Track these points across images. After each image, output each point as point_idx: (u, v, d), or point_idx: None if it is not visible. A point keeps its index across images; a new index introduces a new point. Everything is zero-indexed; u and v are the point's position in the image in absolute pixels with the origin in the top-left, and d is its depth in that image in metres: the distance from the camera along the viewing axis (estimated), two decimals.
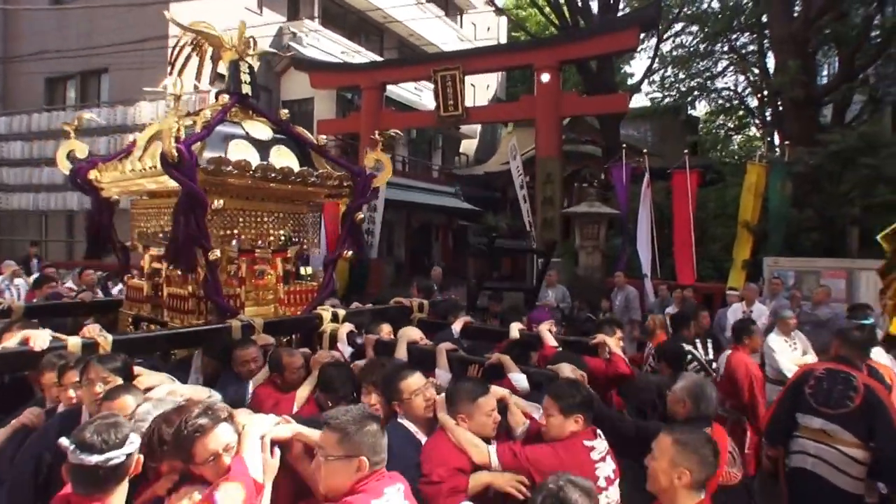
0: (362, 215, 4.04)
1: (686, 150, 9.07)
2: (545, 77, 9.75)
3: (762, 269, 8.07)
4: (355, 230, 4.04)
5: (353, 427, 1.68)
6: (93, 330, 2.99)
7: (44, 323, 3.31)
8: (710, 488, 2.27)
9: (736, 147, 15.92)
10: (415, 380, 2.36)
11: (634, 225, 9.02)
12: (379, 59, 15.16)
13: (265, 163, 3.49)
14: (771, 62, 11.75)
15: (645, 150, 9.50)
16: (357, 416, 1.73)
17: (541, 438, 2.30)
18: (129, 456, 1.55)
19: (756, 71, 12.81)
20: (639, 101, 18.25)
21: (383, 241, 13.43)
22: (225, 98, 3.77)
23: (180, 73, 3.87)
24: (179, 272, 3.57)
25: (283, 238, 3.88)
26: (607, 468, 2.22)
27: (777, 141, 11.82)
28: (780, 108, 11.22)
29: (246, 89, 3.85)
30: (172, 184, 3.23)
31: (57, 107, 13.58)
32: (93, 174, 3.82)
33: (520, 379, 2.76)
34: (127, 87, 12.45)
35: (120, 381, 2.27)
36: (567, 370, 2.73)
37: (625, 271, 8.38)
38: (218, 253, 3.34)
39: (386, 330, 3.50)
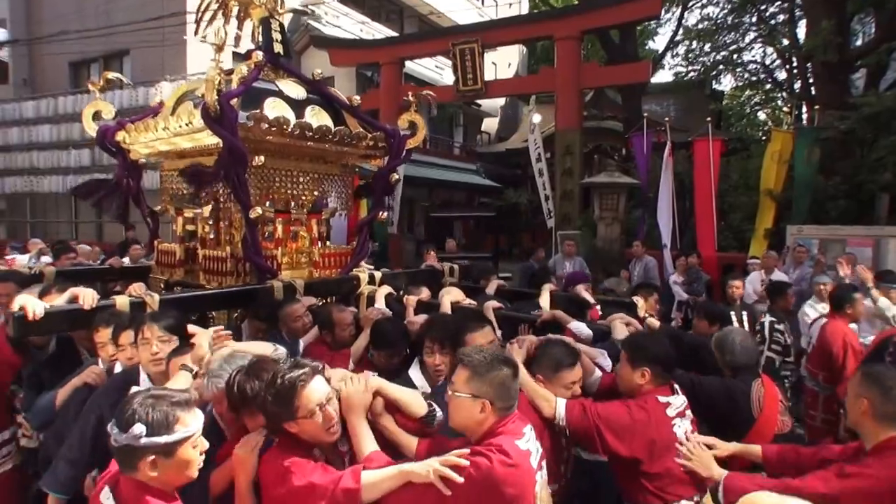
0: (397, 176, 4.02)
1: (709, 119, 9.05)
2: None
3: (785, 238, 8.07)
4: (390, 191, 4.05)
5: (483, 368, 1.68)
6: (139, 289, 3.06)
7: None
8: (768, 435, 2.40)
9: (761, 121, 15.67)
10: (482, 334, 2.39)
11: (655, 195, 9.04)
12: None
13: (303, 121, 3.45)
14: (801, 32, 11.54)
15: (667, 118, 9.51)
16: (490, 358, 1.72)
17: (613, 394, 2.32)
18: (176, 442, 1.43)
19: (785, 42, 12.57)
20: (663, 77, 18.10)
21: (403, 218, 13.67)
22: (258, 56, 3.60)
23: (197, 30, 3.83)
24: (216, 235, 3.57)
25: (317, 199, 3.88)
26: (686, 423, 2.21)
27: (805, 112, 11.66)
28: (810, 76, 11.02)
29: (277, 48, 3.79)
30: (208, 141, 3.23)
31: (82, 90, 14.06)
32: (121, 135, 3.76)
33: (580, 326, 2.79)
34: (148, 68, 12.85)
35: (175, 339, 2.28)
36: (619, 322, 2.83)
37: (644, 242, 8.44)
38: (259, 210, 3.31)
39: (425, 293, 3.53)
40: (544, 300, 3.46)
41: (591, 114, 11.62)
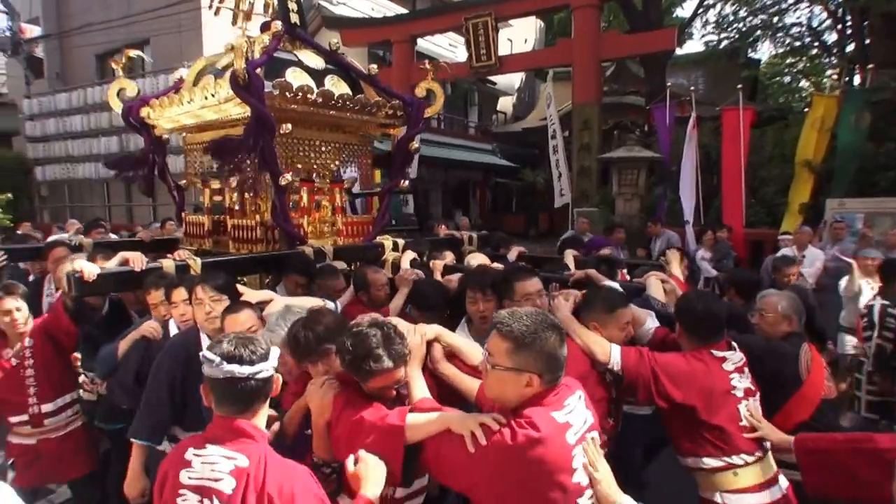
0: (417, 144, 4.06)
1: (740, 87, 8.38)
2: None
3: (823, 212, 7.41)
4: (409, 160, 4.10)
5: (529, 338, 1.48)
6: (183, 253, 3.24)
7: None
8: (815, 399, 2.42)
9: (802, 89, 14.48)
10: (532, 283, 2.41)
11: (677, 170, 8.51)
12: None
13: (326, 89, 3.52)
14: None
15: (693, 88, 8.89)
16: (534, 324, 1.50)
17: (666, 347, 2.32)
18: (274, 370, 1.52)
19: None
20: (691, 48, 17.05)
21: (419, 197, 13.50)
22: (278, 25, 3.63)
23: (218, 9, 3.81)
24: (242, 205, 3.68)
25: (338, 169, 3.96)
26: (745, 381, 2.20)
27: (857, 76, 10.64)
28: (866, 34, 10.01)
29: (294, 18, 3.84)
30: (234, 112, 3.30)
31: (108, 79, 14.55)
32: (145, 111, 3.88)
33: (613, 286, 2.72)
34: (166, 55, 13.16)
35: (225, 298, 2.45)
36: (655, 279, 2.81)
37: (665, 217, 7.96)
38: (289, 177, 3.37)
39: (449, 257, 3.62)
40: (569, 262, 3.52)
41: (611, 89, 11.06)
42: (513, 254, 3.99)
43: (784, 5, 12.27)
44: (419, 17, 12.51)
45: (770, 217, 8.48)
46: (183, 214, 4.25)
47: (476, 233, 4.78)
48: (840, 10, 11.28)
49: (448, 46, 15.76)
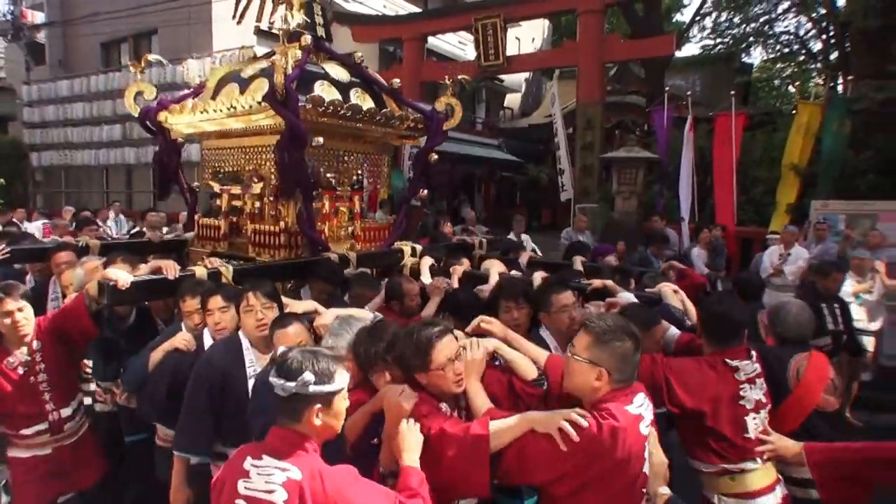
0: (436, 156, 4.17)
1: (733, 92, 8.99)
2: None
3: (808, 213, 7.94)
4: (429, 170, 4.19)
5: (607, 337, 1.69)
6: (215, 261, 3.25)
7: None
8: (804, 409, 2.41)
9: (791, 94, 15.21)
10: (566, 296, 2.56)
11: (674, 170, 9.05)
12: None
13: (355, 103, 3.60)
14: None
15: (689, 93, 9.48)
16: (615, 327, 1.72)
17: (690, 350, 2.39)
18: (337, 388, 1.53)
19: (822, 11, 12.18)
20: (690, 51, 17.68)
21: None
22: (307, 39, 3.58)
23: (240, 18, 3.93)
24: (262, 210, 3.67)
25: (359, 177, 4.05)
26: (756, 392, 2.22)
27: (840, 84, 11.34)
28: (847, 45, 10.69)
29: (319, 31, 3.89)
30: (265, 122, 3.37)
31: (112, 68, 14.65)
32: (163, 116, 3.87)
33: (629, 297, 2.88)
34: (175, 46, 13.26)
35: (276, 306, 2.45)
36: (668, 289, 3.00)
37: (662, 215, 8.48)
38: (319, 191, 3.50)
39: (466, 263, 3.71)
40: (578, 267, 3.69)
41: (614, 89, 11.60)
42: (523, 259, 4.10)
43: (774, 14, 12.94)
44: (430, 17, 12.90)
45: (759, 216, 9.05)
46: (196, 217, 4.23)
47: (485, 238, 4.90)
48: (824, 21, 11.97)
49: (458, 44, 16.13)
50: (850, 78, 8.94)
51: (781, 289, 5.93)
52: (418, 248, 4.08)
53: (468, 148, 15.99)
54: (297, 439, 1.49)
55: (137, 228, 7.66)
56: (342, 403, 1.56)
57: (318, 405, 1.48)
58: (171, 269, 2.87)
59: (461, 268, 3.54)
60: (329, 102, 3.37)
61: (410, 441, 1.65)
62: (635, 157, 9.40)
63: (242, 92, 3.51)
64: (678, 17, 17.31)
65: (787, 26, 13.46)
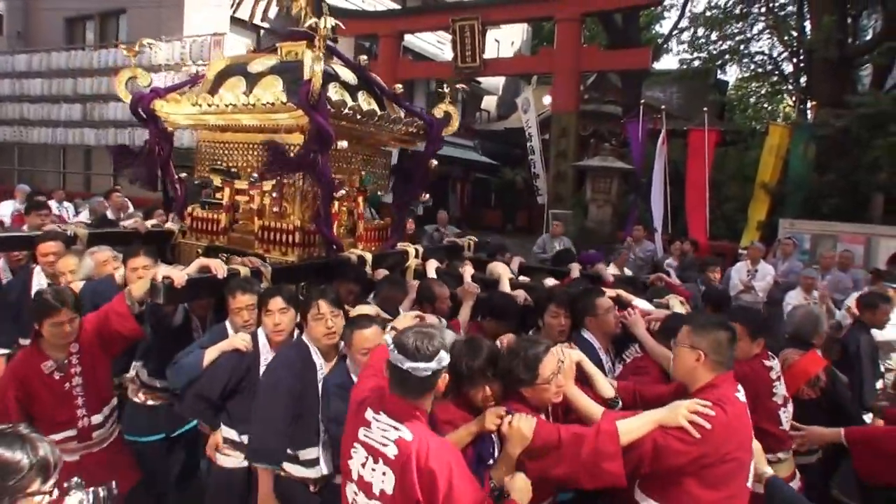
0: (436, 161, 4.23)
1: (706, 109, 9.15)
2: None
3: (777, 230, 8.20)
4: (428, 174, 4.24)
5: (703, 326, 2.03)
6: (255, 260, 3.25)
7: None
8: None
9: (765, 113, 15.67)
10: (607, 300, 2.81)
11: (648, 181, 9.21)
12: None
13: (372, 108, 3.66)
14: (810, 28, 11.55)
15: (663, 107, 9.61)
16: (713, 319, 2.07)
17: None
18: (436, 371, 1.69)
19: (794, 34, 12.58)
20: (668, 63, 18.04)
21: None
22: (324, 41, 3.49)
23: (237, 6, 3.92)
24: (274, 207, 3.69)
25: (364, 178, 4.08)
26: (782, 387, 2.59)
27: (809, 107, 11.71)
28: (812, 71, 11.07)
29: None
30: (285, 121, 3.34)
31: (76, 46, 14.11)
32: (158, 105, 3.77)
33: (644, 304, 3.06)
34: (145, 28, 12.84)
35: (341, 313, 2.51)
36: (676, 300, 3.17)
37: (645, 226, 8.51)
38: (345, 190, 3.52)
39: (470, 269, 3.72)
40: (575, 274, 3.88)
41: (591, 97, 11.71)
42: (514, 263, 4.26)
43: (750, 34, 13.28)
44: (407, 14, 12.83)
45: (730, 231, 9.28)
46: (190, 209, 4.14)
47: (471, 240, 5.02)
48: (795, 45, 12.36)
49: (436, 44, 16.07)
50: (813, 103, 9.19)
51: (752, 305, 6.01)
52: (420, 249, 4.19)
53: (443, 148, 15.89)
54: (410, 406, 1.70)
55: (85, 213, 7.29)
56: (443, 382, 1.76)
57: (430, 383, 1.70)
58: (220, 268, 2.88)
59: (471, 270, 3.61)
60: (350, 107, 3.39)
61: (516, 436, 1.85)
62: (609, 166, 9.49)
63: (250, 87, 3.45)
64: (658, 28, 17.58)
65: (761, 47, 13.87)
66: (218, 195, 3.96)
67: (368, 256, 3.71)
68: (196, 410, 2.66)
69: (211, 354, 2.56)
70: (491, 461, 1.96)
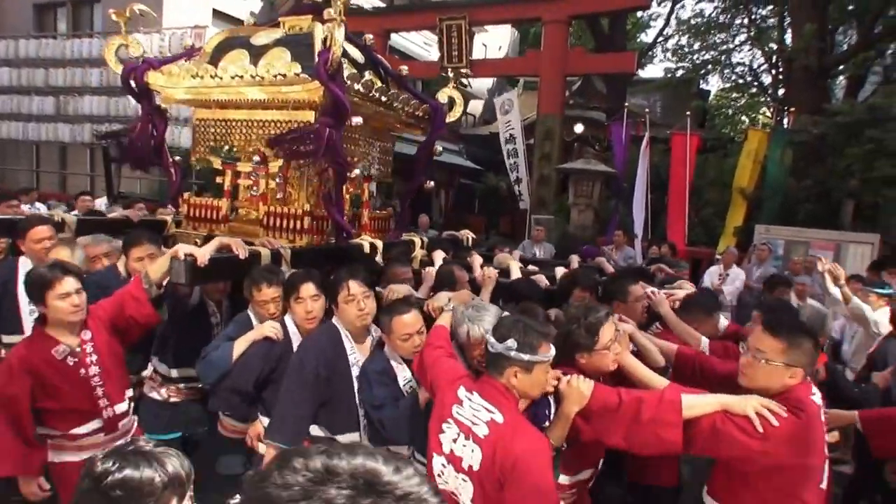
0: (440, 148, 4.18)
1: (688, 113, 9.35)
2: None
3: (753, 236, 8.40)
4: (431, 162, 4.19)
5: (799, 341, 1.90)
6: (274, 241, 3.14)
7: None
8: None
9: (743, 122, 16.11)
10: (640, 287, 2.91)
11: (630, 185, 9.33)
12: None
13: (382, 86, 3.49)
14: (791, 37, 11.92)
15: (647, 110, 9.79)
16: (804, 330, 1.99)
17: (737, 337, 2.71)
18: (536, 361, 1.77)
19: (774, 46, 12.98)
20: (653, 72, 18.38)
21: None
22: (331, 13, 3.33)
23: None
24: (280, 193, 3.53)
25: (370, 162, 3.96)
26: None
27: (787, 117, 12.09)
28: (791, 80, 11.42)
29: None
30: (298, 96, 3.16)
31: (47, 34, 13.72)
32: (153, 78, 3.53)
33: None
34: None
35: (372, 294, 2.47)
36: (686, 284, 3.36)
37: (625, 231, 8.67)
38: (358, 171, 3.39)
39: (479, 259, 3.74)
40: (575, 265, 4.00)
41: (576, 102, 11.86)
42: (515, 257, 4.31)
43: (732, 45, 13.64)
44: (395, 12, 12.84)
45: (708, 237, 9.47)
46: (187, 195, 3.93)
47: (467, 236, 5.03)
48: (774, 56, 12.75)
49: (423, 45, 16.10)
50: (792, 110, 9.49)
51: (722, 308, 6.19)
52: (425, 239, 4.19)
53: None
54: (501, 390, 1.78)
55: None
56: (542, 375, 1.81)
57: (517, 368, 1.76)
58: (241, 247, 2.76)
59: (479, 259, 3.64)
60: (365, 83, 3.23)
61: (574, 395, 1.89)
62: (592, 169, 9.61)
63: (255, 60, 3.26)
64: (643, 37, 17.96)
65: (742, 58, 14.32)
66: (220, 179, 3.77)
67: (380, 244, 3.62)
68: (230, 404, 2.61)
69: (240, 346, 2.51)
70: (546, 423, 2.02)
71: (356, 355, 2.45)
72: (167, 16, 12.09)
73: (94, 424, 2.39)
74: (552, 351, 1.81)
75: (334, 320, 2.49)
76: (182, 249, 2.50)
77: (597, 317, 2.06)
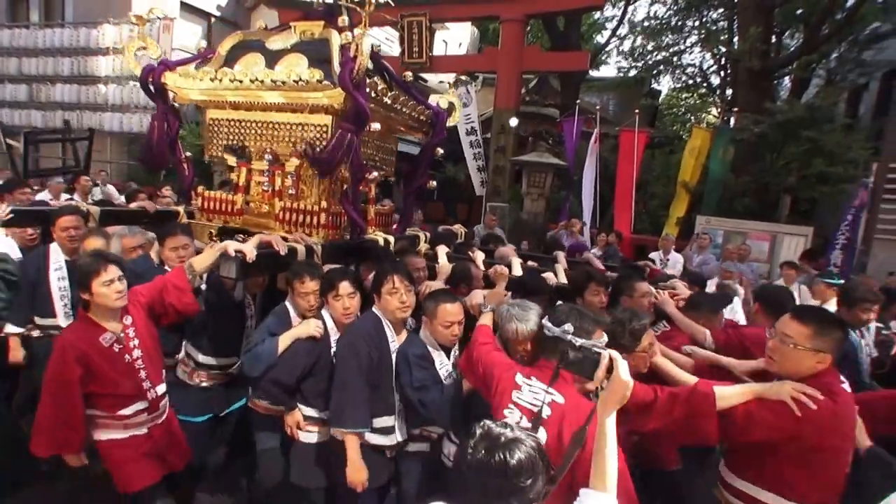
0: (442, 150, 4.19)
1: (637, 111, 9.26)
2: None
3: (694, 226, 8.45)
4: (432, 162, 4.24)
5: (826, 328, 1.87)
6: (307, 238, 3.16)
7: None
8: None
9: (690, 123, 16.18)
10: (646, 284, 2.99)
11: (580, 178, 9.27)
12: None
13: (396, 93, 3.54)
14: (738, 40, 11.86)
15: (598, 107, 9.67)
16: (832, 318, 1.98)
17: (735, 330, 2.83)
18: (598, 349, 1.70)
19: (723, 49, 12.96)
20: (607, 72, 18.32)
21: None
22: (345, 20, 3.32)
23: None
24: (292, 190, 3.47)
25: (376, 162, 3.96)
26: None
27: (733, 117, 12.08)
28: (737, 80, 11.38)
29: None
30: (319, 101, 3.14)
31: (20, 24, 13.14)
32: (170, 78, 3.55)
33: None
34: (91, 8, 12.10)
35: (413, 289, 2.52)
36: (681, 285, 3.33)
37: (565, 219, 8.65)
38: (375, 174, 3.46)
39: (481, 254, 3.73)
40: (562, 262, 3.98)
41: (532, 100, 11.70)
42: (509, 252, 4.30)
43: (683, 46, 13.56)
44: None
45: (653, 226, 9.42)
46: (199, 189, 3.88)
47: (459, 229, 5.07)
48: (723, 59, 12.71)
49: (385, 40, 15.75)
50: (735, 109, 9.44)
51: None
52: (428, 235, 4.24)
53: None
54: (562, 373, 1.73)
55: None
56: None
57: (571, 351, 1.70)
58: (281, 244, 2.84)
59: (482, 254, 3.66)
60: (381, 89, 3.28)
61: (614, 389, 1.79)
62: (545, 162, 9.50)
63: (271, 64, 3.30)
64: (599, 38, 17.82)
65: (693, 59, 14.27)
66: (231, 175, 3.76)
67: (392, 239, 3.67)
68: (271, 395, 2.62)
69: (285, 341, 2.52)
70: None
71: (395, 343, 2.49)
72: (135, 6, 11.62)
73: (139, 405, 2.39)
74: (605, 338, 1.81)
75: (374, 309, 2.52)
76: (231, 246, 2.56)
77: (641, 323, 2.17)
